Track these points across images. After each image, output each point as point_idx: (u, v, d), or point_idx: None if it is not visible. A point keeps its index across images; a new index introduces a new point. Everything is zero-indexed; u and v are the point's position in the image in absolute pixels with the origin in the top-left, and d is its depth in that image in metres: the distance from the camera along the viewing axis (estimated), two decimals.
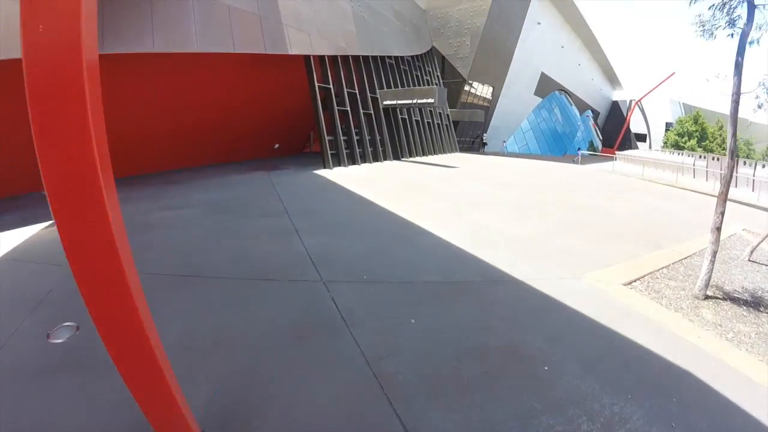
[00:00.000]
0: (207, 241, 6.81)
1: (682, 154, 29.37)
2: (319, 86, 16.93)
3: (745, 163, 23.73)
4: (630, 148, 64.33)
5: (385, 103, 21.64)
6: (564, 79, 47.66)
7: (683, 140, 53.68)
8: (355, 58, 20.52)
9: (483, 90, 33.59)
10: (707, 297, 5.66)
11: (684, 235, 8.51)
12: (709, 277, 5.62)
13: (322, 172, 15.64)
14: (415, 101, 20.33)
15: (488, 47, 30.77)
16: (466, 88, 31.53)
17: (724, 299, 5.67)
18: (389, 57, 23.92)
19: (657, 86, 68.41)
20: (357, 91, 19.87)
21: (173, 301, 4.68)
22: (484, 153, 33.37)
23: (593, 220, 9.34)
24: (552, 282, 5.61)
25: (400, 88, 23.69)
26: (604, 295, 5.35)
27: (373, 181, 13.42)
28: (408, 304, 4.81)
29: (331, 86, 17.66)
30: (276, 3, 15.53)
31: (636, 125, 72.49)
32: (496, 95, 34.56)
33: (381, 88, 22.17)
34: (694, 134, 53.44)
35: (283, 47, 15.36)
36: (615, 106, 76.28)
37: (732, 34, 5.59)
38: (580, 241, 7.55)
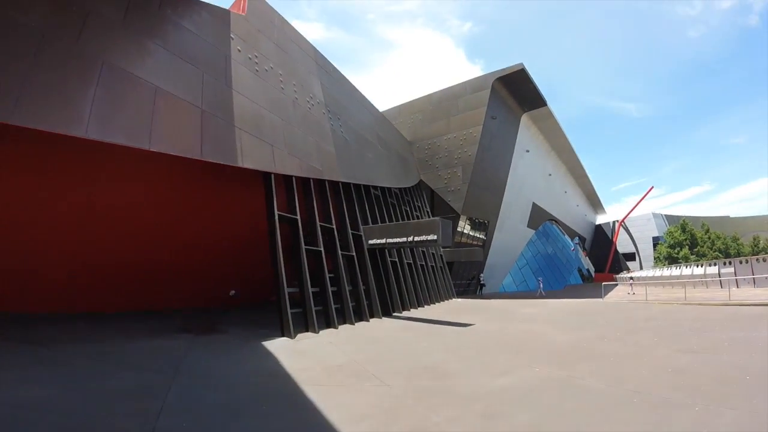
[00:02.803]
0: None
1: (702, 266, 25.46)
2: (281, 216, 12.05)
3: None
4: (620, 269, 61.78)
5: (371, 242, 16.83)
6: (553, 208, 45.99)
7: (675, 251, 52.01)
8: (334, 185, 16.30)
9: (477, 225, 29.92)
10: None
11: None
12: None
13: (277, 346, 9.71)
14: (411, 239, 15.55)
15: (481, 178, 28.01)
16: (461, 224, 27.72)
17: None
18: (374, 187, 20.03)
19: (638, 203, 69.15)
20: (334, 227, 15.11)
21: None
22: (482, 296, 28.19)
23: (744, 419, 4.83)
24: None
25: (388, 223, 19.29)
26: None
27: (358, 372, 7.54)
28: None
29: (299, 217, 12.81)
30: (230, 99, 11.54)
31: (622, 245, 71.36)
32: (490, 230, 30.88)
33: (365, 223, 17.63)
34: (684, 243, 52.04)
35: (231, 156, 10.85)
36: (599, 230, 76.20)
37: None
38: None
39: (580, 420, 5.06)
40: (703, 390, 5.89)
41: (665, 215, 70.09)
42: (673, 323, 12.20)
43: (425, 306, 19.87)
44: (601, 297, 20.90)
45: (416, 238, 15.44)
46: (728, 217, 70.75)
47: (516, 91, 29.11)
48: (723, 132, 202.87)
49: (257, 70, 13.32)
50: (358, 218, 17.27)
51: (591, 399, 5.91)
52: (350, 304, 14.17)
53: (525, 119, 32.59)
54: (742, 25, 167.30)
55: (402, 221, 20.65)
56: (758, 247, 51.20)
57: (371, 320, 14.81)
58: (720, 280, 19.95)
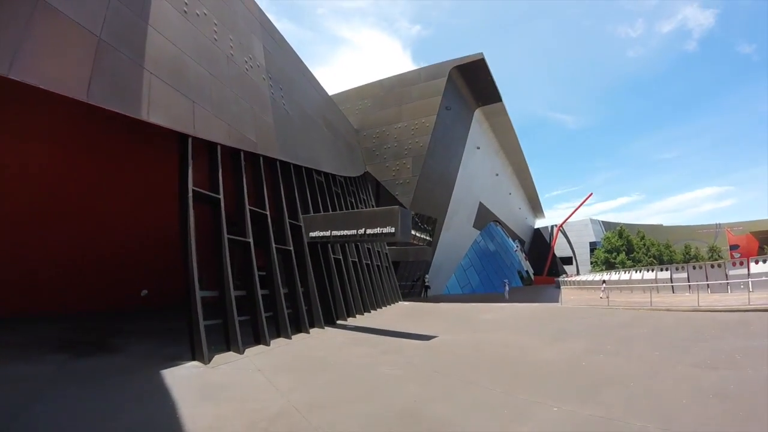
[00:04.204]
0: None
1: (653, 270, 25.63)
2: (197, 193, 8.92)
3: (734, 264, 20.12)
4: (558, 273, 63.77)
5: (312, 234, 14.01)
6: (498, 209, 45.74)
7: (613, 256, 54.33)
8: (270, 163, 13.30)
9: (425, 222, 27.98)
10: None
11: None
12: None
13: (182, 376, 6.71)
14: (362, 232, 12.95)
15: (432, 171, 26.13)
16: None
17: None
18: (317, 172, 17.16)
19: (576, 209, 72.11)
20: (269, 213, 12.10)
21: None
22: (427, 299, 26.32)
23: None
24: None
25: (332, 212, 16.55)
26: None
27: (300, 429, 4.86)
28: None
29: (222, 197, 9.71)
30: (143, 34, 8.39)
31: (560, 249, 74.03)
32: (438, 228, 29.06)
33: (306, 212, 14.76)
34: (621, 248, 54.52)
35: (133, 105, 7.73)
36: (537, 234, 78.31)
37: None
38: None
39: None
40: None
41: (602, 221, 73.88)
42: (656, 331, 10.95)
43: (372, 311, 17.39)
44: (556, 301, 19.75)
45: (369, 231, 12.86)
46: (662, 225, 76.65)
47: (473, 83, 27.58)
48: (654, 148, 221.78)
49: (186, 12, 10.09)
50: (298, 205, 14.37)
51: None
52: (285, 312, 11.25)
53: (478, 114, 31.31)
54: (680, 49, 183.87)
55: (351, 211, 18.03)
56: (689, 255, 55.20)
57: (312, 331, 12.00)
58: (672, 286, 19.67)
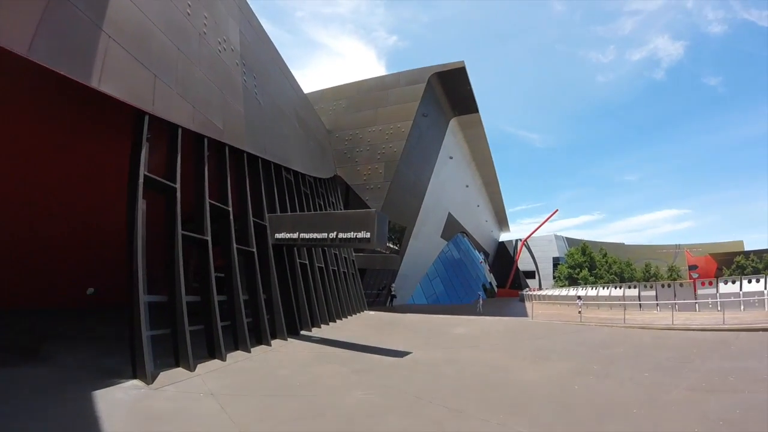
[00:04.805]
0: None
1: (620, 288, 25.93)
2: (149, 179, 7.65)
3: (703, 284, 20.85)
4: (520, 286, 64.84)
5: (278, 236, 12.83)
6: (466, 221, 45.81)
7: (576, 272, 55.68)
8: (237, 154, 12.08)
9: (394, 230, 27.24)
10: None
11: None
12: None
13: (118, 401, 5.50)
14: (335, 236, 11.92)
15: (404, 178, 25.55)
16: None
17: None
18: (287, 170, 16.00)
19: (542, 224, 73.83)
20: (231, 210, 10.86)
21: None
22: (393, 308, 25.53)
23: None
24: None
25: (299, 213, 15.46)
26: None
27: None
28: None
29: (178, 186, 8.45)
30: None
31: (523, 263, 75.31)
32: (407, 237, 28.42)
33: (272, 211, 13.57)
34: (584, 264, 55.98)
35: (82, 69, 6.46)
36: (501, 247, 79.32)
37: None
38: None
39: None
40: None
41: (566, 237, 75.85)
42: (639, 351, 10.86)
43: (338, 321, 16.33)
44: (525, 315, 19.50)
45: (341, 236, 11.82)
46: (623, 244, 79.71)
47: (451, 91, 27.31)
48: (617, 169, 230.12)
49: None
50: (264, 204, 13.18)
51: None
52: (244, 321, 10.02)
53: (453, 124, 31.09)
54: (649, 77, 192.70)
55: (322, 212, 16.98)
56: (649, 273, 57.45)
57: (274, 343, 10.80)
58: (640, 303, 20.00)
